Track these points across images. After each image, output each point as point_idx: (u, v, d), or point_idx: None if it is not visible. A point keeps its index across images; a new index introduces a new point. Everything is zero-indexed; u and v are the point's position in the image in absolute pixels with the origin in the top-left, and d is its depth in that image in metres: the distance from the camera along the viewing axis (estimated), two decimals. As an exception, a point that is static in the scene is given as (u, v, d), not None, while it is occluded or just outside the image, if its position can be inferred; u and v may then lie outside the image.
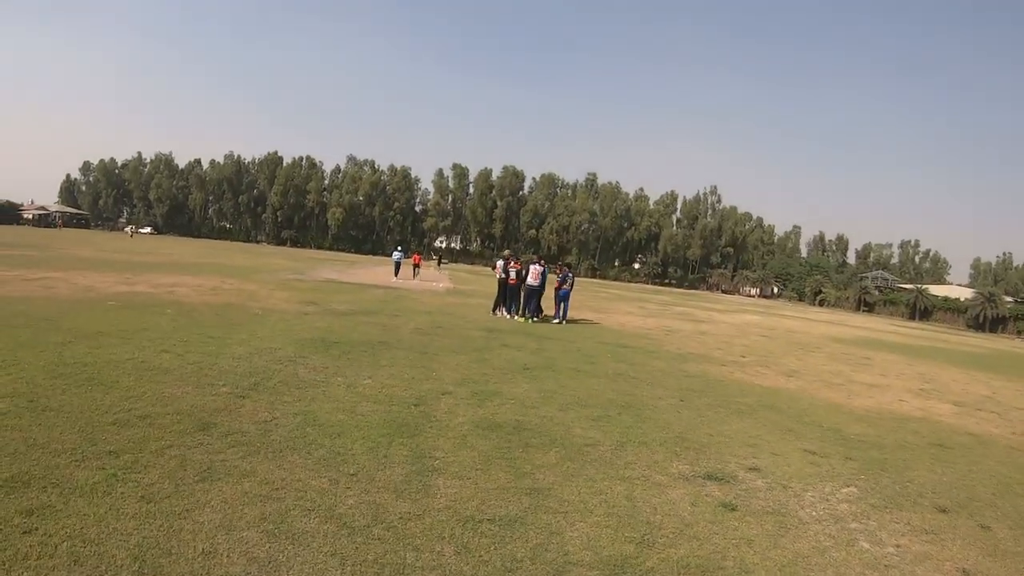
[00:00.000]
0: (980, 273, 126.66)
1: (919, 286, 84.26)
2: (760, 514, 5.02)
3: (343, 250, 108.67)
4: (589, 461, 5.80)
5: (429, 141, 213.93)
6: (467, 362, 10.12)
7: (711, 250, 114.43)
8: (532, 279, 17.65)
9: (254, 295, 16.53)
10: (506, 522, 4.30)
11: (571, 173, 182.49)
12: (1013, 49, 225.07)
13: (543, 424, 6.85)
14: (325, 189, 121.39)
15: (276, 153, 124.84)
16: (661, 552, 4.15)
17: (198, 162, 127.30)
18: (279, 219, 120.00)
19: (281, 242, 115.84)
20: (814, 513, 5.21)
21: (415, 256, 38.14)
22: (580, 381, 9.57)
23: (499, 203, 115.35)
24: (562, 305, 18.26)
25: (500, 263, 18.41)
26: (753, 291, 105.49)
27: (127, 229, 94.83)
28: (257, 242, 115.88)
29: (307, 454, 5.14)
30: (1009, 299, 75.52)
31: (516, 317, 17.80)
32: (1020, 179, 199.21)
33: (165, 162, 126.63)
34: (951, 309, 75.26)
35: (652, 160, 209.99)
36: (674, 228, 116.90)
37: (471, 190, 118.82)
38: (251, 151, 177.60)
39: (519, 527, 4.25)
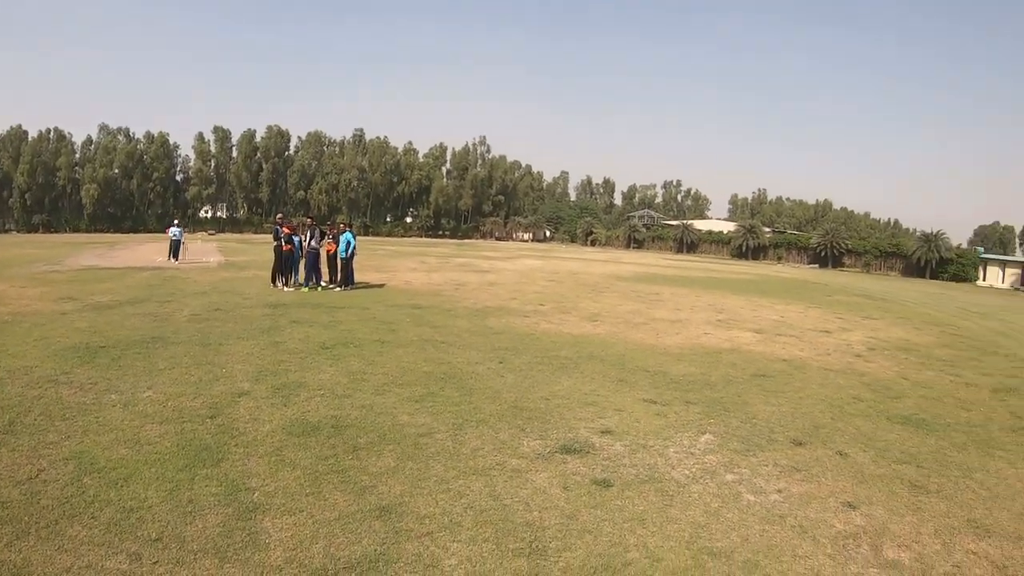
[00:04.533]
0: (737, 207, 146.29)
1: (684, 221, 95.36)
2: (637, 485, 4.81)
3: (102, 230, 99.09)
4: (431, 456, 5.15)
5: (186, 104, 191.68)
6: (258, 348, 8.96)
7: (483, 199, 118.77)
8: (314, 244, 17.12)
9: (2, 297, 13.28)
10: (367, 565, 3.55)
11: (338, 132, 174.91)
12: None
13: (364, 416, 6.06)
14: (77, 164, 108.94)
15: (20, 127, 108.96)
16: (557, 560, 3.69)
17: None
18: (28, 202, 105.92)
19: (33, 228, 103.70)
20: (687, 472, 5.13)
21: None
22: (387, 354, 8.90)
23: (265, 166, 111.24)
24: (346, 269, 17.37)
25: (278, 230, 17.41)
26: (526, 236, 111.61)
27: None
28: (5, 231, 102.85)
29: (91, 519, 3.91)
30: (767, 229, 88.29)
31: (302, 288, 16.82)
32: (772, 118, 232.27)
33: None
34: (715, 241, 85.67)
35: (421, 114, 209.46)
36: (445, 180, 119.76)
37: (235, 153, 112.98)
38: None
39: (385, 567, 3.54)
